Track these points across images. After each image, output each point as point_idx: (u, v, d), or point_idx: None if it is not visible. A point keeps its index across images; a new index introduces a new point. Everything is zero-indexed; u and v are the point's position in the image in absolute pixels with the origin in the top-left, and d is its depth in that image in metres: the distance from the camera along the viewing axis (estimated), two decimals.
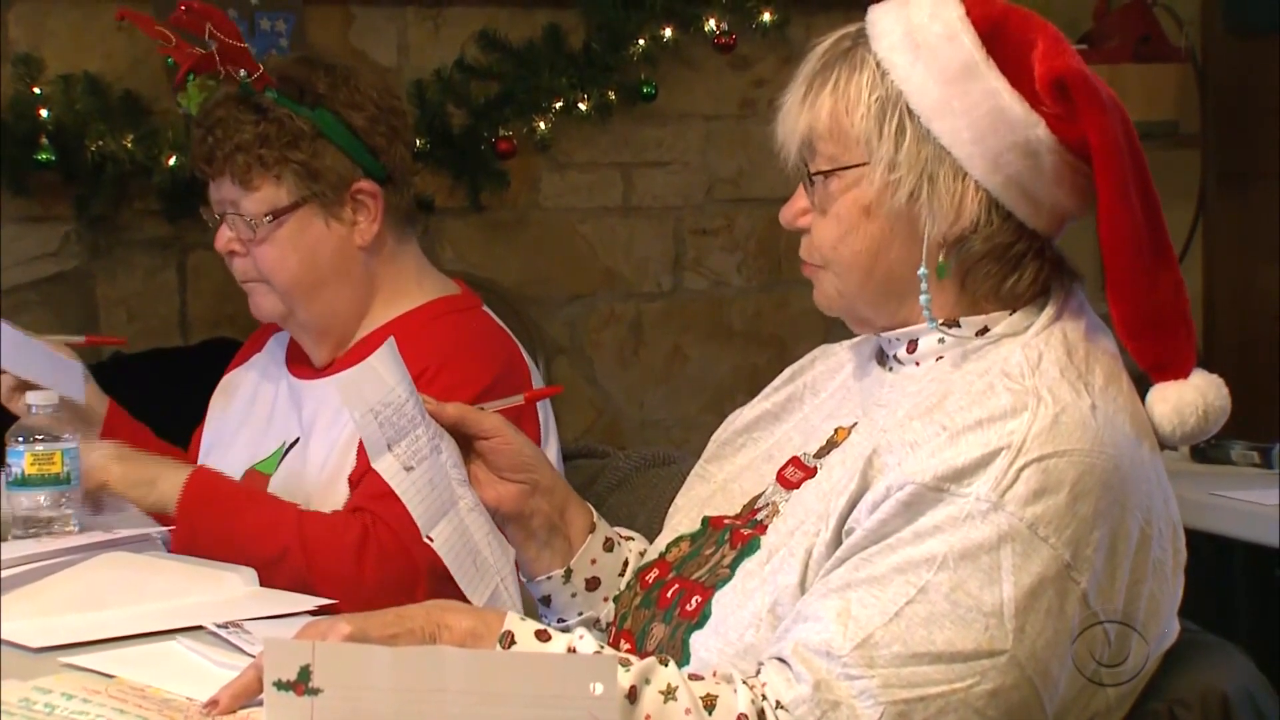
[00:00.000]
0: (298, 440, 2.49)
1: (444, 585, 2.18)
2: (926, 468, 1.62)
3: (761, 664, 1.64)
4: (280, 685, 1.39)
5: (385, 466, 1.83)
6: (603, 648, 1.66)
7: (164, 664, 1.76)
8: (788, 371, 2.01)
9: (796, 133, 1.77)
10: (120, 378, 2.56)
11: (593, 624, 1.98)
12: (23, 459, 2.19)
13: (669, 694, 1.57)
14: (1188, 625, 1.75)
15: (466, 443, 1.93)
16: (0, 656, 1.78)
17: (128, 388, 2.54)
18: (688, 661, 1.74)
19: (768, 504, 1.84)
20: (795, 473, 1.84)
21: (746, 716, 1.57)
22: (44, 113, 3.46)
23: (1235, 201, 4.33)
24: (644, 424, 4.13)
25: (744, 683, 1.60)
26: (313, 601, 2.03)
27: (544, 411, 2.47)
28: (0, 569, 1.98)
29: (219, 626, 1.89)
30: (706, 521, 1.91)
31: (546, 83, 3.85)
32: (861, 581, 1.61)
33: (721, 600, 1.76)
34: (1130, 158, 1.69)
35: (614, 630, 1.91)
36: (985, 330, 1.75)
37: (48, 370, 2.43)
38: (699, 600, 1.79)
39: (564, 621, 1.99)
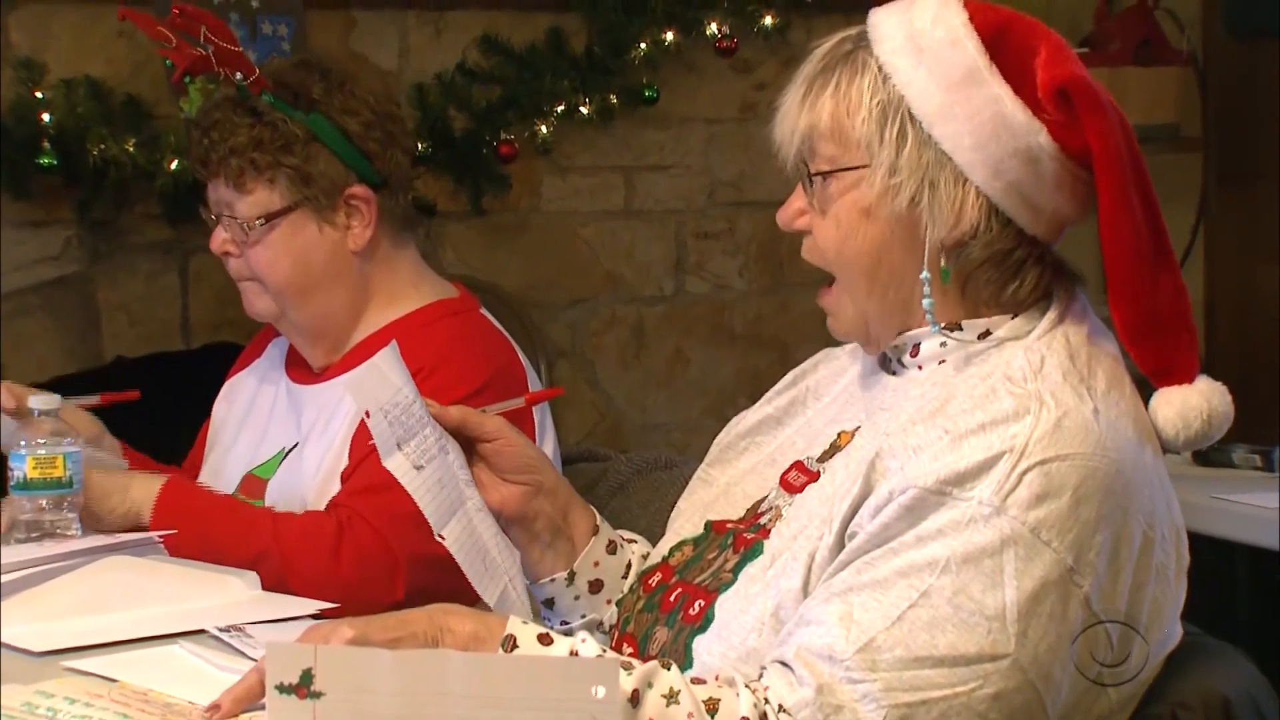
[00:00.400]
0: (295, 445, 2.49)
1: (424, 573, 2.19)
2: (929, 471, 1.62)
3: (764, 668, 1.64)
4: (282, 689, 1.39)
5: (396, 465, 1.84)
6: (605, 651, 1.67)
7: (166, 668, 1.76)
8: (790, 375, 2.01)
9: (796, 132, 1.77)
10: (122, 381, 2.55)
11: (595, 627, 1.98)
12: (25, 463, 2.20)
13: (671, 698, 1.57)
14: (1190, 628, 1.75)
15: (469, 446, 1.93)
16: (2, 660, 1.78)
17: (130, 391, 2.53)
18: (690, 666, 1.74)
19: (771, 508, 1.84)
20: (798, 477, 1.84)
21: None
22: (45, 117, 3.46)
23: (1236, 204, 4.32)
24: (645, 427, 4.13)
25: (746, 686, 1.60)
26: (315, 605, 2.03)
27: (541, 413, 2.48)
28: (2, 573, 1.98)
29: (221, 630, 1.89)
30: (709, 525, 1.90)
31: (548, 86, 3.85)
32: (864, 585, 1.61)
33: (724, 604, 1.76)
34: (1131, 164, 1.69)
35: (616, 634, 1.91)
36: (987, 334, 1.75)
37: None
38: (702, 604, 1.79)
39: (567, 624, 1.99)
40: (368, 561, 2.26)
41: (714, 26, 3.97)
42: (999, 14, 1.74)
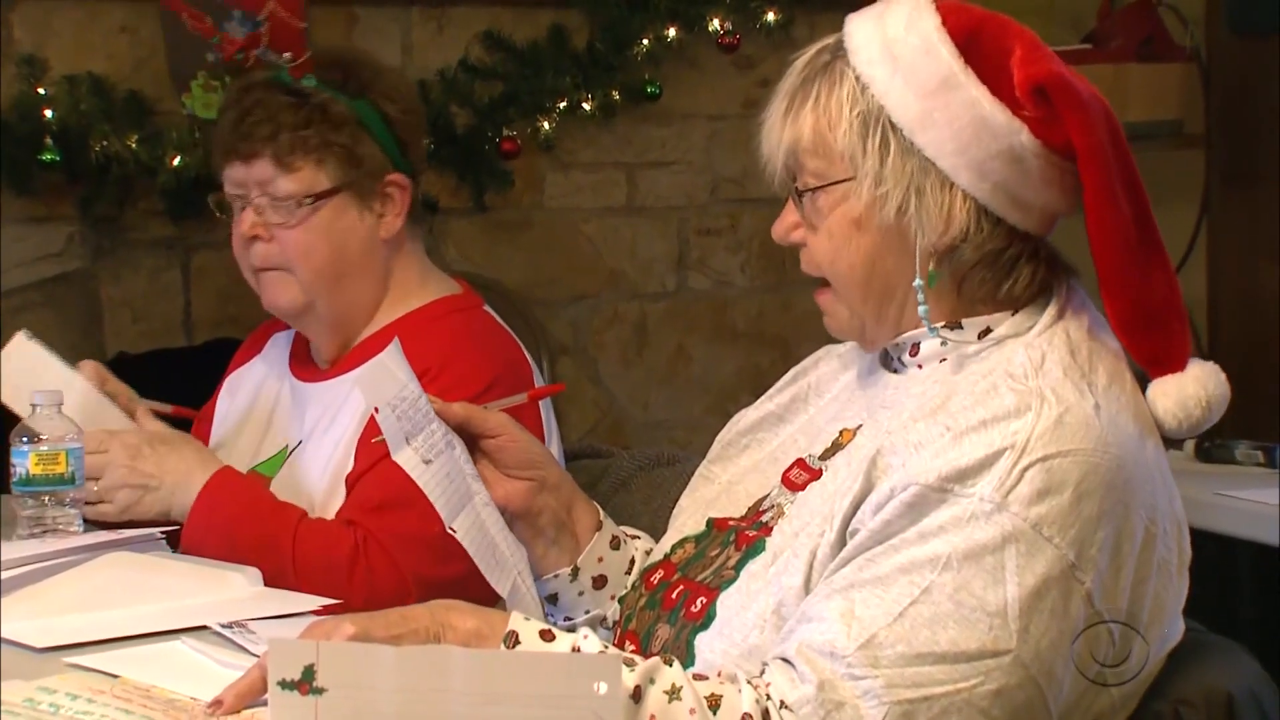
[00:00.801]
0: (299, 444, 2.49)
1: (433, 597, 2.19)
2: (930, 468, 1.62)
3: (766, 664, 1.64)
4: (284, 685, 1.39)
5: (406, 459, 1.84)
6: (607, 647, 1.67)
7: (168, 664, 1.76)
8: (792, 372, 2.01)
9: (780, 148, 1.77)
10: (125, 377, 2.55)
11: (599, 623, 1.99)
12: (27, 459, 2.20)
13: (673, 694, 1.57)
14: (1192, 625, 1.75)
15: (472, 442, 1.93)
16: (4, 656, 1.78)
17: (132, 387, 2.53)
18: (693, 662, 1.74)
19: (773, 506, 1.84)
20: (800, 475, 1.84)
21: (751, 716, 1.57)
22: (48, 113, 3.46)
23: (1239, 201, 4.32)
24: (648, 424, 4.13)
25: (748, 683, 1.60)
26: (317, 601, 2.03)
27: (545, 411, 2.47)
28: (4, 569, 1.98)
29: (223, 626, 1.89)
30: (711, 523, 1.91)
31: (550, 83, 3.85)
32: (866, 582, 1.61)
33: (726, 601, 1.76)
34: (1115, 155, 1.69)
35: (619, 631, 1.91)
36: (987, 331, 1.75)
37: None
38: (704, 601, 1.79)
39: (571, 620, 1.99)
40: (379, 586, 2.25)
41: (716, 23, 3.96)
42: (971, 15, 1.73)
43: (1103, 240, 1.68)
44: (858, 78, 1.73)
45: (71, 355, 2.52)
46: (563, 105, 3.87)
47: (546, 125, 3.87)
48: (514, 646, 1.62)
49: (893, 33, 1.73)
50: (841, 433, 1.84)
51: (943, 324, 1.76)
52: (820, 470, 1.82)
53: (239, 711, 1.57)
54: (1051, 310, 1.74)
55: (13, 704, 1.58)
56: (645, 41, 3.93)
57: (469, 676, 1.37)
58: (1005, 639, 1.58)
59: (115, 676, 1.70)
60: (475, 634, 1.63)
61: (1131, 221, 1.69)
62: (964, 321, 1.76)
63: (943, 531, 1.60)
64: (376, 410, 1.83)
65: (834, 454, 1.82)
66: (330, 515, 2.36)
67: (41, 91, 3.47)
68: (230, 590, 2.05)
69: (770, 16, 4.01)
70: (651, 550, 2.01)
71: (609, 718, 1.36)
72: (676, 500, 2.01)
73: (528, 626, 1.64)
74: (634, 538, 2.05)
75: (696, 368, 4.17)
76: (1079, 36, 4.06)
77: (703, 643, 1.75)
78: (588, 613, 1.99)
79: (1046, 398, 1.64)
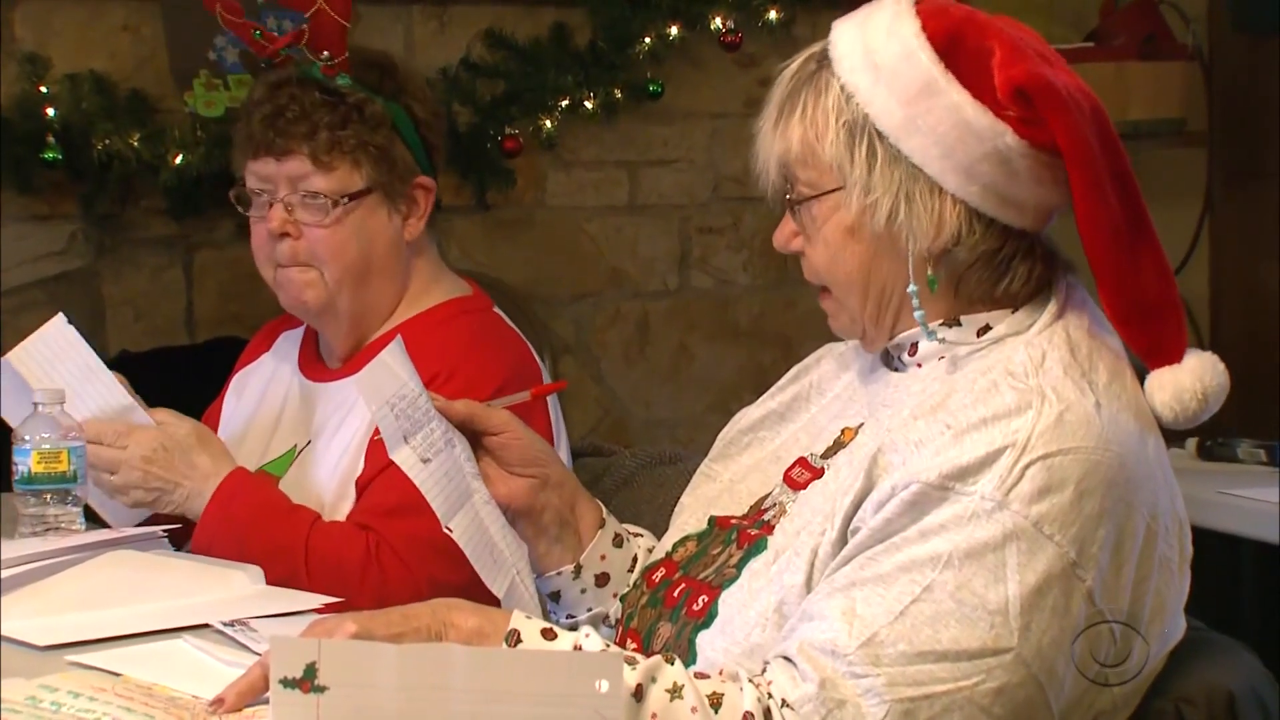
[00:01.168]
0: (308, 444, 2.49)
1: None
2: (931, 467, 1.62)
3: (767, 663, 1.64)
4: (286, 683, 1.39)
5: (403, 458, 1.84)
6: (609, 646, 1.67)
7: (170, 662, 1.76)
8: (793, 371, 2.01)
9: (772, 160, 1.78)
10: (127, 376, 2.55)
11: (601, 621, 1.99)
12: (29, 457, 2.20)
13: (675, 692, 1.57)
14: (1194, 623, 1.75)
15: (475, 440, 1.93)
16: (6, 655, 1.78)
17: (134, 386, 2.53)
18: (694, 661, 1.74)
19: (775, 505, 1.84)
20: (802, 473, 1.84)
21: (752, 715, 1.57)
22: (50, 111, 3.45)
23: (1242, 199, 4.32)
24: (650, 423, 4.13)
25: (750, 681, 1.60)
26: (319, 600, 2.03)
27: (554, 412, 2.48)
28: (6, 567, 1.98)
29: (225, 625, 1.89)
30: (713, 521, 1.91)
31: (552, 81, 3.85)
32: (867, 580, 1.61)
33: (728, 600, 1.76)
34: (1102, 150, 1.68)
35: (621, 629, 1.91)
36: (987, 329, 1.76)
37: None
38: (705, 600, 1.79)
39: (573, 618, 1.99)
40: (391, 590, 2.24)
41: (718, 21, 3.96)
42: (951, 18, 1.73)
43: (1092, 235, 1.68)
44: (842, 87, 1.73)
45: None
46: (565, 104, 3.87)
47: (548, 124, 3.86)
48: (516, 645, 1.62)
49: (873, 40, 1.73)
50: (843, 431, 1.84)
51: (940, 322, 1.76)
52: (822, 469, 1.82)
53: (241, 710, 1.57)
54: (1052, 308, 1.74)
55: (14, 702, 1.58)
56: (647, 40, 3.93)
57: (471, 675, 1.37)
58: (1006, 637, 1.58)
59: (117, 675, 1.70)
60: (477, 632, 1.63)
61: (1121, 215, 1.69)
62: (962, 319, 1.76)
63: (944, 530, 1.60)
64: (374, 409, 1.83)
65: (836, 452, 1.82)
66: (338, 517, 2.36)
67: (43, 90, 3.47)
68: (232, 588, 2.05)
69: (772, 15, 4.00)
70: (654, 548, 2.01)
71: (611, 716, 1.36)
72: (678, 498, 2.01)
73: (529, 625, 1.64)
74: (636, 536, 2.05)
75: (698, 366, 4.17)
76: (1081, 35, 4.05)
77: (704, 641, 1.75)
78: (590, 610, 1.99)
79: (1047, 396, 1.64)
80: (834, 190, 1.74)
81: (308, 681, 1.39)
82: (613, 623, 1.98)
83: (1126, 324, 1.71)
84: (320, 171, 2.41)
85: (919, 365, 1.79)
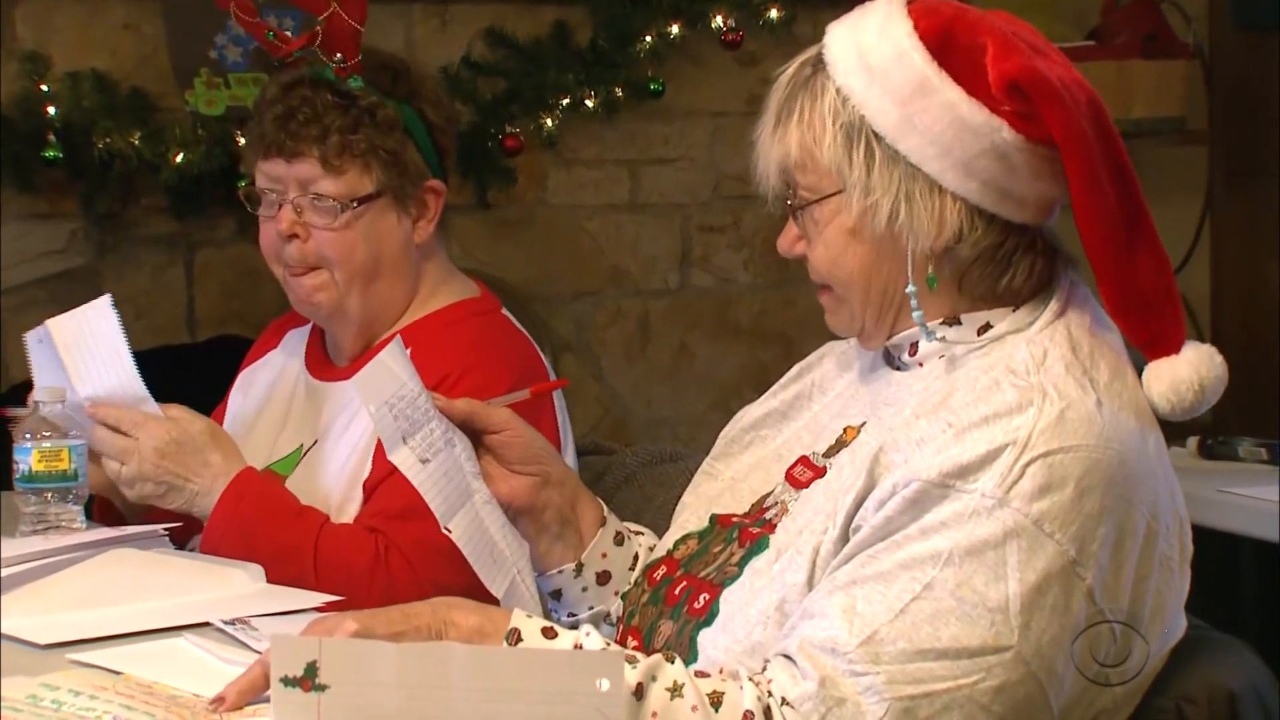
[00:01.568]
0: (315, 443, 2.48)
1: None
2: (932, 464, 1.62)
3: (768, 661, 1.64)
4: (287, 681, 1.39)
5: (402, 459, 1.84)
6: (610, 644, 1.67)
7: (171, 660, 1.76)
8: (795, 369, 2.01)
9: (772, 166, 1.78)
10: None
11: (602, 619, 1.99)
12: (30, 456, 2.20)
13: (675, 691, 1.57)
14: (1195, 622, 1.75)
15: (476, 438, 1.93)
16: (7, 653, 1.78)
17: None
18: (695, 659, 1.74)
19: (777, 503, 1.84)
20: (804, 472, 1.84)
21: (752, 713, 1.57)
22: (51, 110, 3.46)
23: (1243, 198, 4.32)
24: (651, 421, 4.13)
25: (750, 680, 1.60)
26: (319, 598, 2.03)
27: (560, 412, 2.48)
28: (6, 566, 1.98)
29: (226, 623, 1.89)
30: (714, 519, 1.91)
31: (553, 80, 3.85)
32: (867, 578, 1.61)
33: (729, 598, 1.76)
34: (1099, 141, 1.68)
35: (622, 627, 1.91)
36: (987, 326, 1.75)
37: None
38: (707, 598, 1.79)
39: (574, 616, 1.99)
40: (398, 593, 2.23)
41: (719, 19, 3.96)
42: (942, 16, 1.73)
43: (1089, 227, 1.68)
44: (838, 90, 1.73)
45: None
46: (566, 102, 3.87)
47: (549, 122, 3.86)
48: (516, 644, 1.62)
49: (866, 41, 1.73)
50: (845, 430, 1.84)
51: (940, 321, 1.76)
52: (824, 468, 1.82)
53: (241, 708, 1.57)
54: (1053, 306, 1.74)
55: (15, 700, 1.58)
56: (648, 38, 3.93)
57: (471, 673, 1.37)
58: (1006, 635, 1.58)
59: (118, 673, 1.70)
60: (477, 631, 1.63)
61: (1118, 207, 1.69)
62: (963, 318, 1.76)
63: (944, 527, 1.60)
64: (372, 409, 1.82)
65: (838, 451, 1.82)
66: (345, 519, 2.36)
67: (44, 88, 3.48)
68: (233, 587, 2.05)
69: (773, 13, 4.01)
70: (655, 546, 2.01)
71: (611, 715, 1.36)
72: (679, 497, 2.01)
73: (530, 624, 1.64)
74: (638, 534, 2.05)
75: (699, 364, 4.17)
76: (1083, 33, 4.06)
77: (706, 639, 1.75)
78: (591, 609, 1.99)
79: (1048, 393, 1.64)
80: (834, 193, 1.74)
81: (308, 680, 1.39)
82: (614, 621, 1.98)
83: (1124, 315, 1.71)
84: (330, 175, 2.40)
85: (920, 364, 1.79)
